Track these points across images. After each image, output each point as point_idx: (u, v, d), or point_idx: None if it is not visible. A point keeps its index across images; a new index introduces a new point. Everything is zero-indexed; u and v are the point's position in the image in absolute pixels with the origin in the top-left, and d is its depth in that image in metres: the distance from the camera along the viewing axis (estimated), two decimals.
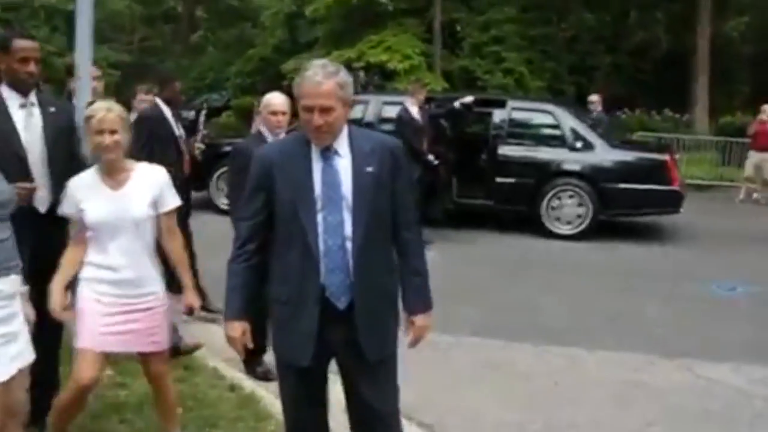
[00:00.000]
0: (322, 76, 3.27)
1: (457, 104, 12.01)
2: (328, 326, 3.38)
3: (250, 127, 14.52)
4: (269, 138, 5.81)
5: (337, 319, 3.38)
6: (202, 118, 11.63)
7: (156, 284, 4.27)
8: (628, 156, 12.41)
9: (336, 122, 3.36)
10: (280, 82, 22.23)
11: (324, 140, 3.39)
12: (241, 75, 31.18)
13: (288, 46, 28.75)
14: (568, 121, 12.53)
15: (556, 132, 12.56)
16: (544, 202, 12.34)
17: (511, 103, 13.12)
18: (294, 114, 4.29)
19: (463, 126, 12.88)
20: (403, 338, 3.58)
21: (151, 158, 4.67)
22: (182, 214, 5.34)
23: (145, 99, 7.61)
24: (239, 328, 3.52)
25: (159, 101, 7.03)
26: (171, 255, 4.33)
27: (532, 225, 12.61)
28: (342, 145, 3.45)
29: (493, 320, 7.83)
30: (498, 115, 12.92)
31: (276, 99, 5.94)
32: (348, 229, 3.37)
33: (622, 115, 26.58)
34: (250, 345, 3.55)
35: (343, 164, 3.44)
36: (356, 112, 12.61)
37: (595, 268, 10.31)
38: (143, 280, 4.19)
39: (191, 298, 4.32)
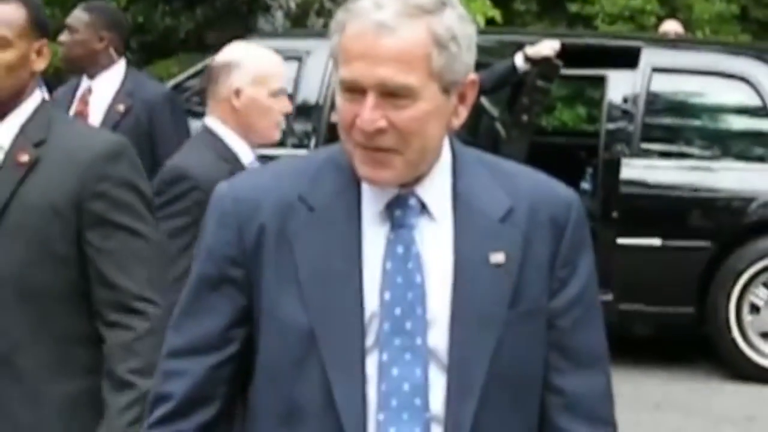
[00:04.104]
0: (394, 10, 1.74)
1: (519, 60, 7.28)
2: None
3: None
4: (248, 159, 3.48)
5: None
6: None
7: None
8: None
9: (418, 128, 1.79)
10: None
11: (387, 175, 1.81)
12: None
13: None
14: None
15: (763, 124, 7.71)
16: (735, 294, 7.38)
17: (651, 56, 7.87)
18: None
19: (535, 109, 8.13)
20: None
21: None
22: None
23: None
24: None
25: None
26: None
27: (702, 349, 7.71)
28: (435, 191, 1.87)
29: None
30: (620, 85, 7.89)
31: (274, 60, 3.62)
32: (437, 399, 1.84)
33: None
34: None
35: (434, 241, 1.87)
36: None
37: None
38: None
39: None
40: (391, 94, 1.75)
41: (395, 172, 1.79)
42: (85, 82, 4.82)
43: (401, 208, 1.84)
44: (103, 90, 4.86)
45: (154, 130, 4.80)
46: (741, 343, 7.24)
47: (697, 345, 7.74)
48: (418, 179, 1.84)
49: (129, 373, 2.44)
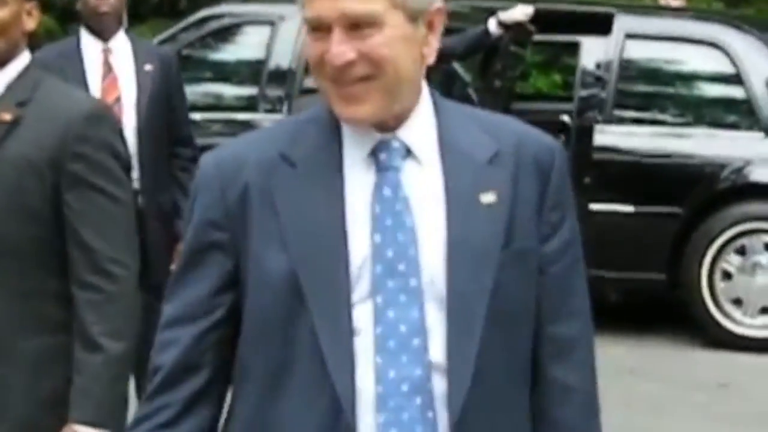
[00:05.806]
0: None
1: (492, 26, 7.13)
2: None
3: None
4: None
5: None
6: None
7: None
8: None
9: (387, 53, 1.76)
10: None
11: (365, 109, 1.78)
12: None
13: None
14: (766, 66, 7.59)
15: (736, 91, 7.57)
16: (707, 260, 7.29)
17: (624, 23, 7.80)
18: None
19: (508, 75, 8.25)
20: None
21: None
22: None
23: None
24: None
25: None
26: None
27: (674, 316, 7.68)
28: (419, 134, 1.84)
29: None
30: (594, 52, 7.84)
31: None
32: (436, 341, 1.80)
33: None
34: None
35: (422, 184, 1.83)
36: None
37: None
38: None
39: None
40: (356, 25, 1.75)
41: (372, 105, 1.77)
42: (94, 44, 4.49)
43: (386, 152, 1.82)
44: (121, 51, 4.61)
45: (170, 89, 4.67)
46: (713, 310, 7.20)
47: (669, 312, 7.66)
48: (400, 122, 1.81)
49: (100, 336, 2.45)
